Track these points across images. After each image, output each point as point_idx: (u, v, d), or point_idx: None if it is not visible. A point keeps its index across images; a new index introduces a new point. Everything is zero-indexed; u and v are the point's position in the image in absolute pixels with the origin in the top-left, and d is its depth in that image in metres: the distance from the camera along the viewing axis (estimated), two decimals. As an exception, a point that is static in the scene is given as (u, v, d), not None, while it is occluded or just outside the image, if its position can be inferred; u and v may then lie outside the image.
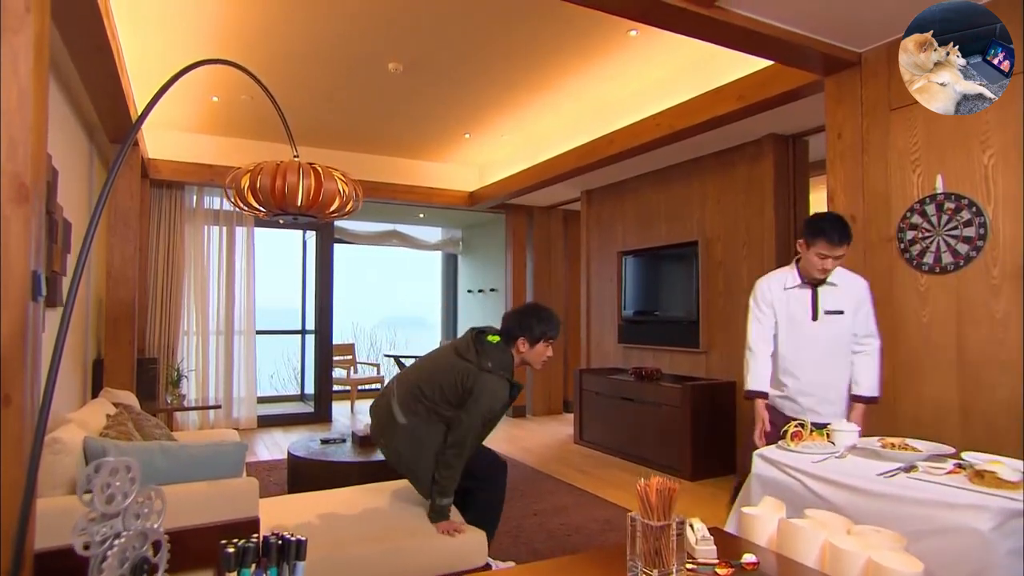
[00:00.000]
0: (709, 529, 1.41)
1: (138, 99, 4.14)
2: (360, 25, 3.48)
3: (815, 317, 2.50)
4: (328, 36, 3.62)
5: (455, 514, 2.53)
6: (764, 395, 2.57)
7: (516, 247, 7.59)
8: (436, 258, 10.26)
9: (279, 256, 8.38)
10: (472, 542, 2.41)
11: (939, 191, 2.73)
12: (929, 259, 2.75)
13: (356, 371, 8.62)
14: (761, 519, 1.45)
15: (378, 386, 8.08)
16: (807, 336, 2.51)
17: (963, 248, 2.63)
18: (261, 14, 3.35)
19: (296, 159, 2.21)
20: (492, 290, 8.59)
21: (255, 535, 1.07)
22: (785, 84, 3.43)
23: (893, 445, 2.09)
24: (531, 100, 4.75)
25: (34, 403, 1.51)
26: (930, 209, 2.75)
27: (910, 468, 1.93)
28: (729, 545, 1.45)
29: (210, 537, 1.92)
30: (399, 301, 11.78)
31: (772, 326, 2.58)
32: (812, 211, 4.79)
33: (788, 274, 2.58)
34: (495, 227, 8.24)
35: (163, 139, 5.38)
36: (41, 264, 1.51)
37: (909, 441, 2.12)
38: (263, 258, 6.78)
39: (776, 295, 2.56)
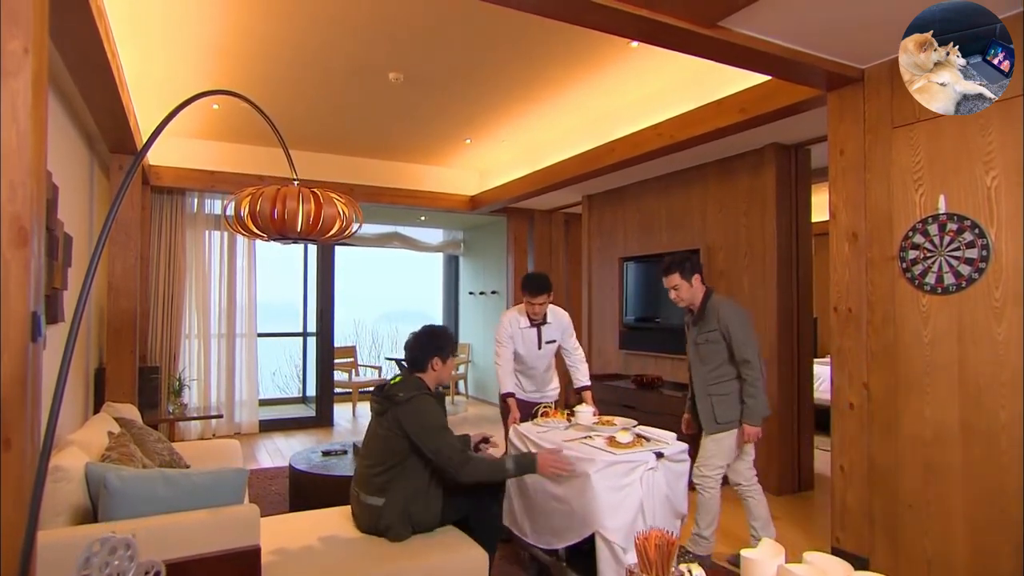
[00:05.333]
0: (712, 570, 1.41)
1: (139, 112, 4.13)
2: (360, 37, 3.46)
3: (539, 347, 3.63)
4: (329, 47, 3.61)
5: (458, 535, 2.54)
6: (513, 395, 3.59)
7: (517, 250, 7.58)
8: (438, 259, 10.25)
9: (280, 259, 8.38)
10: (473, 564, 2.42)
11: (941, 211, 2.71)
12: (931, 279, 2.74)
13: (358, 373, 8.63)
14: (760, 564, 1.45)
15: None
16: (535, 356, 3.65)
17: (965, 269, 2.62)
18: (262, 27, 3.34)
19: (296, 184, 2.21)
20: (493, 292, 8.59)
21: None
22: (787, 98, 3.42)
23: (601, 422, 3.04)
24: (531, 108, 4.73)
25: (35, 443, 1.51)
26: (932, 229, 2.74)
27: (588, 436, 2.82)
28: (728, 587, 1.46)
29: (212, 567, 1.93)
30: (401, 297, 11.79)
31: (512, 350, 3.60)
32: (814, 219, 4.78)
33: (521, 317, 3.61)
34: (497, 229, 8.22)
35: (164, 146, 5.37)
36: (41, 305, 1.51)
37: (615, 420, 3.07)
38: (264, 261, 6.78)
39: (514, 331, 3.60)
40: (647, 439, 2.77)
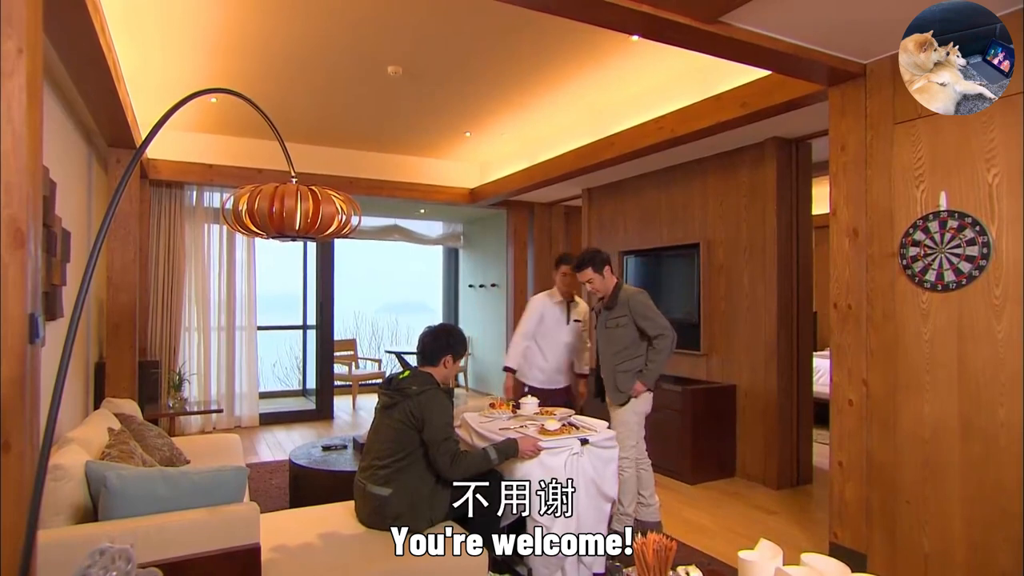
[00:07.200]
0: (710, 570, 1.41)
1: (137, 106, 4.11)
2: (359, 30, 3.44)
3: (568, 322, 3.89)
4: (328, 40, 3.59)
5: (458, 531, 2.54)
6: (514, 371, 3.84)
7: (517, 243, 7.57)
8: (438, 252, 10.23)
9: (280, 252, 8.37)
10: (473, 561, 2.43)
11: (942, 208, 2.70)
12: (931, 276, 2.74)
13: (358, 366, 8.64)
14: (758, 565, 1.45)
15: (379, 382, 8.10)
16: (562, 330, 3.89)
17: (966, 267, 2.61)
18: (261, 20, 3.31)
19: (294, 180, 2.19)
20: (493, 286, 8.58)
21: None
22: (788, 93, 3.40)
23: (542, 413, 3.26)
24: (531, 102, 4.71)
25: (35, 444, 1.51)
26: (933, 226, 2.73)
27: (523, 426, 3.00)
28: (726, 588, 1.47)
29: (212, 566, 1.94)
30: (401, 290, 11.81)
31: (533, 325, 3.84)
32: (815, 213, 4.77)
33: (555, 294, 3.88)
34: (497, 221, 8.20)
35: (162, 139, 5.32)
36: (39, 307, 1.51)
37: (556, 411, 3.26)
38: (263, 254, 6.77)
39: (545, 307, 3.85)
40: (576, 427, 3.00)
